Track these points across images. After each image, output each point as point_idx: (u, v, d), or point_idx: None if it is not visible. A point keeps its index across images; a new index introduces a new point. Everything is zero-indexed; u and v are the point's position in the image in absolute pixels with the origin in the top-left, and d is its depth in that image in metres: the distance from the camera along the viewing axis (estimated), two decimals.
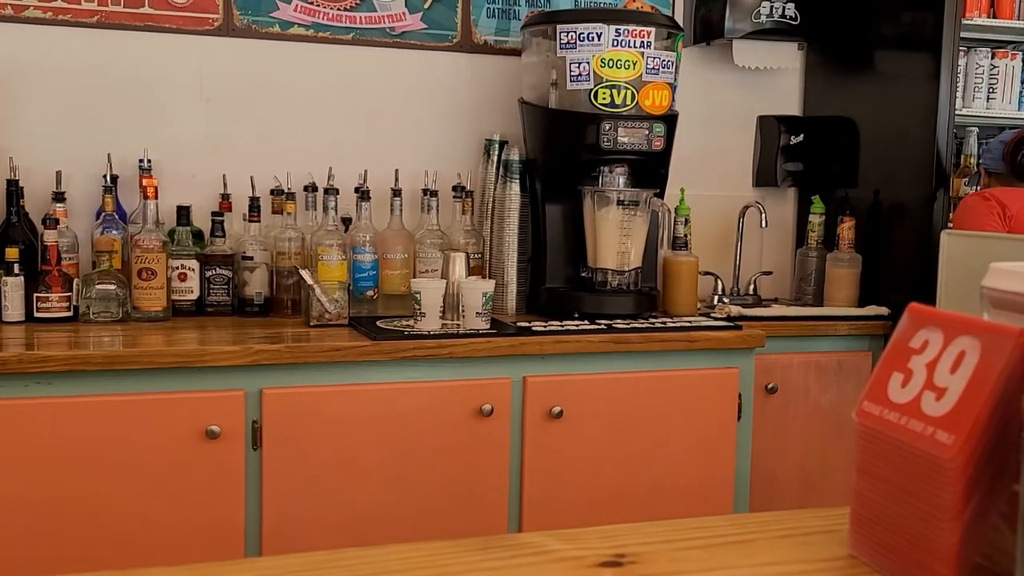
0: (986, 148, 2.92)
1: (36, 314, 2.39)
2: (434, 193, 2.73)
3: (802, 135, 3.17)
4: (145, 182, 2.50)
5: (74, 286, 2.43)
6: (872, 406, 0.81)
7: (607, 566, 0.75)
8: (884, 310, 2.84)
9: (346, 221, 2.69)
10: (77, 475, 2.07)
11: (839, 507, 0.88)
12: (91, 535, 2.08)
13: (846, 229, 2.93)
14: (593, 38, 2.54)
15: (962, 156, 3.23)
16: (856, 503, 0.81)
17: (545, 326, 2.46)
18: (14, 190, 2.48)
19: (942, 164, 2.68)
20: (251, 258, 2.60)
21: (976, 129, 3.19)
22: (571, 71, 2.57)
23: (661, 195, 2.71)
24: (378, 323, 2.44)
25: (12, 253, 2.38)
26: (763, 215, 2.96)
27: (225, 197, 2.68)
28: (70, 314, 2.42)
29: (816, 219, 3.04)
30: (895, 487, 0.77)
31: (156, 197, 2.50)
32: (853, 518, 0.82)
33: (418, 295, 2.38)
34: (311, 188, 2.69)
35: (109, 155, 2.60)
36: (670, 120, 2.63)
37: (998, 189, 2.76)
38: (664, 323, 2.57)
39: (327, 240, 2.58)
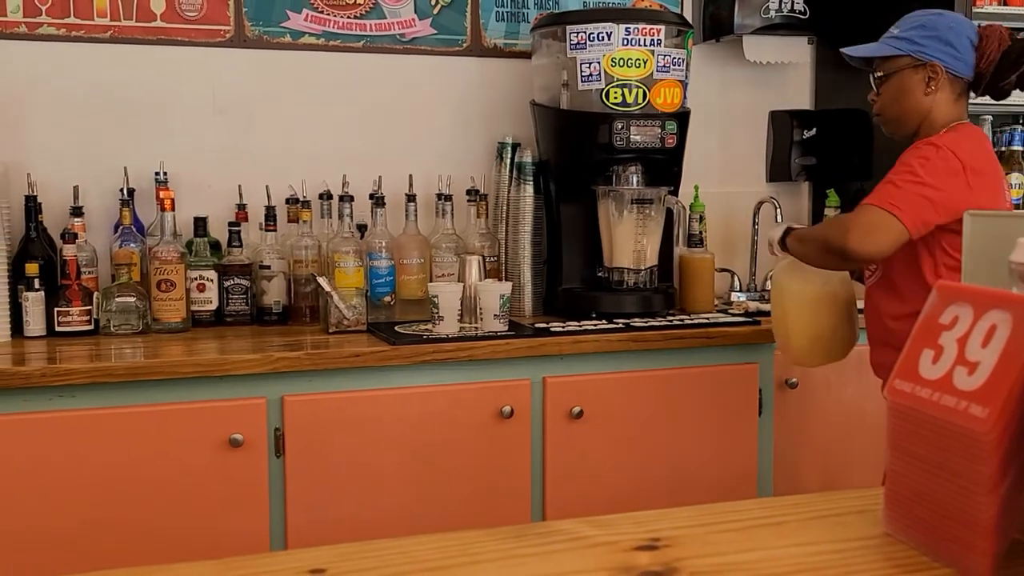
0: (937, 38, 2.05)
1: (57, 328, 2.41)
2: (448, 197, 2.73)
3: (814, 129, 3.16)
4: (162, 194, 2.52)
5: (94, 299, 2.44)
6: (903, 383, 0.80)
7: (643, 550, 0.75)
8: None
9: (361, 228, 2.70)
10: (102, 486, 2.08)
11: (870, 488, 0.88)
12: (116, 545, 2.09)
13: None
14: (603, 38, 2.54)
15: None
16: (890, 481, 0.81)
17: (563, 327, 2.45)
18: (32, 206, 2.49)
19: None
20: (268, 267, 2.61)
21: (990, 117, 3.17)
22: (582, 71, 2.57)
23: (675, 193, 2.71)
24: (396, 328, 2.45)
25: (32, 268, 2.40)
26: (778, 210, 2.95)
27: (241, 207, 2.69)
28: (91, 327, 2.43)
29: (832, 212, 3.03)
30: (929, 463, 0.77)
31: (173, 209, 2.51)
32: (887, 496, 0.81)
33: (435, 299, 2.38)
34: (326, 196, 2.70)
35: (125, 168, 2.62)
36: (682, 117, 2.63)
37: (952, 141, 2.00)
38: (682, 320, 2.57)
39: (343, 247, 2.59)
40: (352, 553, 0.72)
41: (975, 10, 2.72)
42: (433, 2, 2.89)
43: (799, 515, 0.85)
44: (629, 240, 2.63)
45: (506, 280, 2.67)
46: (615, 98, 2.55)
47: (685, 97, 2.64)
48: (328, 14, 2.81)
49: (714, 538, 0.79)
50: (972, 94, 2.13)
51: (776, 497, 0.88)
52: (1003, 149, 3.09)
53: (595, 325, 2.48)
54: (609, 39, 2.54)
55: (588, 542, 0.77)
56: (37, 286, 2.39)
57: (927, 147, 1.99)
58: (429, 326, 2.42)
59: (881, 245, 1.94)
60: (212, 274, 2.57)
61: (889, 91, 2.11)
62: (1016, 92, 2.08)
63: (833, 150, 3.15)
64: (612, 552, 0.75)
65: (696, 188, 2.95)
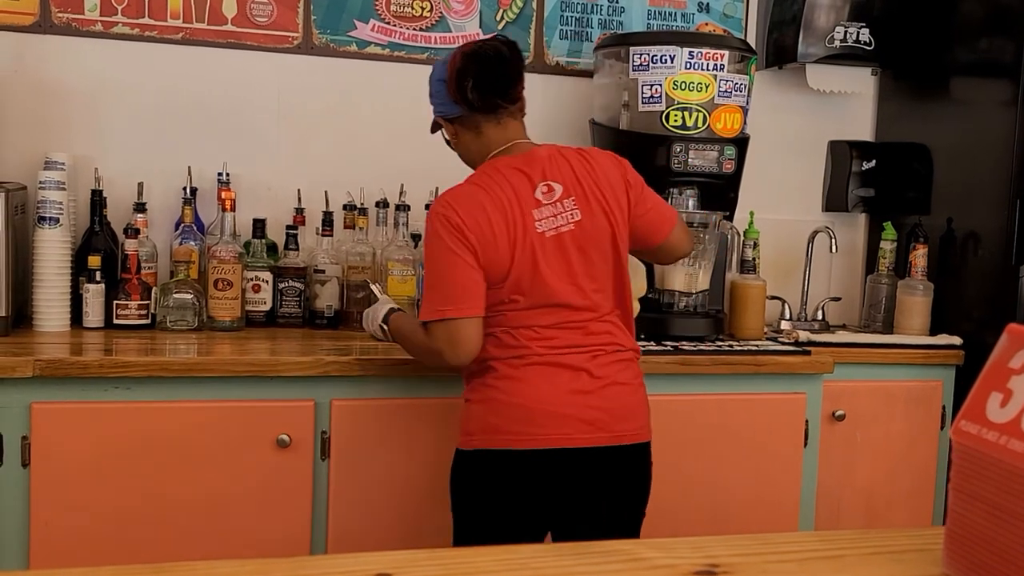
0: (429, 95, 2.07)
1: (115, 321, 2.45)
2: None
3: (874, 161, 3.14)
4: (223, 195, 2.56)
5: (152, 295, 2.49)
6: (970, 425, 0.80)
7: (701, 575, 0.75)
8: (956, 340, 2.80)
9: (416, 237, 2.72)
10: (150, 478, 2.12)
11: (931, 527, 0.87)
12: (163, 536, 2.12)
13: (919, 256, 2.89)
14: (666, 60, 2.55)
15: None
16: (952, 522, 0.81)
17: None
18: (98, 200, 2.55)
19: (1022, 193, 2.63)
20: (323, 271, 2.64)
21: None
22: (643, 93, 2.58)
23: (730, 218, 2.71)
24: None
25: (94, 261, 2.45)
26: (833, 240, 2.93)
27: (299, 211, 2.73)
28: (147, 322, 2.48)
29: (888, 246, 3.01)
30: (993, 506, 0.77)
31: (234, 210, 2.56)
32: (949, 536, 0.81)
33: None
34: (383, 204, 2.73)
35: (189, 168, 2.67)
36: (741, 143, 2.63)
37: (455, 201, 1.93)
38: (731, 346, 2.56)
39: (397, 255, 2.62)
40: (419, 559, 0.73)
41: None
42: (498, 18, 2.92)
43: (857, 550, 0.85)
44: (681, 263, 2.63)
45: None
46: (675, 121, 2.55)
47: (745, 123, 2.64)
48: (395, 25, 2.85)
49: (772, 567, 0.79)
50: None
51: (834, 531, 0.88)
52: None
53: (644, 347, 2.48)
54: (672, 62, 2.55)
55: (647, 564, 0.78)
56: (98, 278, 2.45)
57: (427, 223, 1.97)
58: None
59: (469, 350, 1.90)
60: (268, 275, 2.61)
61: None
62: None
63: (892, 183, 3.13)
64: (671, 575, 0.76)
65: (751, 214, 2.94)
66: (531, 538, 1.93)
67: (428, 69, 2.85)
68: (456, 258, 1.88)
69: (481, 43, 2.02)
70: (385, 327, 2.16)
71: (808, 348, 2.61)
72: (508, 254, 1.89)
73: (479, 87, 1.96)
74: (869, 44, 2.96)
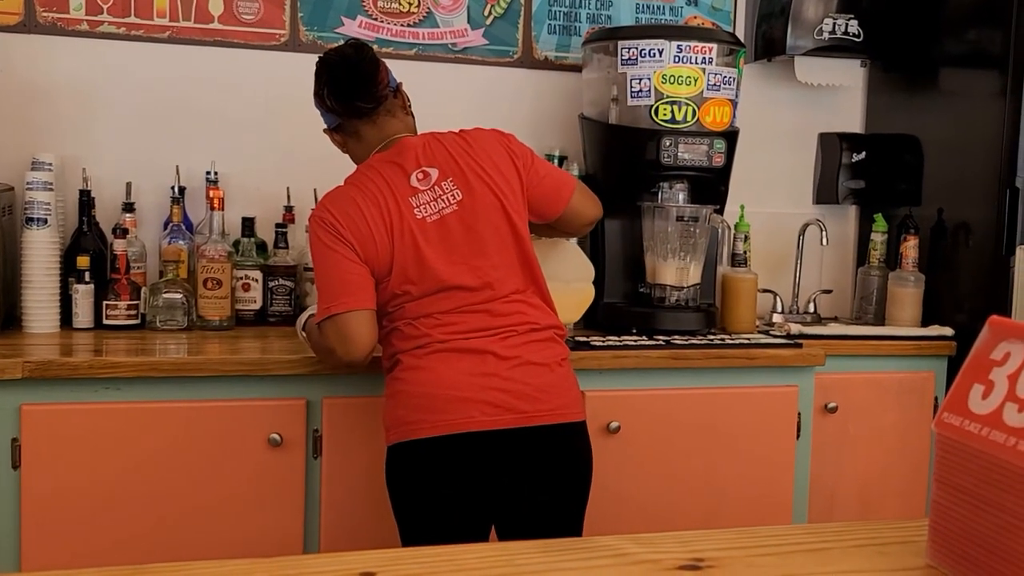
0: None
1: (105, 321, 2.45)
2: None
3: (864, 152, 3.14)
4: (212, 193, 2.55)
5: (141, 294, 2.48)
6: (952, 417, 0.80)
7: (685, 569, 0.75)
8: (948, 330, 2.80)
9: None
10: (142, 479, 2.11)
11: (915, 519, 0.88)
12: (156, 536, 2.12)
13: (910, 248, 2.89)
14: (654, 54, 2.55)
15: None
16: (935, 513, 0.81)
17: (603, 341, 2.46)
18: (86, 200, 2.54)
19: (1012, 183, 2.63)
20: (312, 269, 2.63)
21: None
22: (632, 87, 2.58)
23: (721, 211, 2.71)
24: None
25: (83, 261, 2.44)
26: (823, 233, 2.93)
27: (288, 209, 2.73)
28: (137, 322, 2.47)
29: (878, 237, 3.01)
30: (976, 498, 0.77)
31: (222, 208, 2.55)
32: (932, 528, 0.81)
33: None
34: None
35: (177, 167, 2.66)
36: (731, 136, 2.63)
37: (329, 201, 1.98)
38: (723, 340, 2.56)
39: None
40: (402, 558, 0.73)
41: None
42: (486, 13, 2.91)
43: (841, 543, 0.85)
44: (672, 257, 2.63)
45: None
46: (664, 115, 2.55)
47: (734, 116, 2.64)
48: (382, 21, 2.84)
49: (757, 560, 0.79)
50: None
51: (819, 523, 0.88)
52: None
53: (635, 341, 2.48)
54: (660, 56, 2.54)
55: (631, 559, 0.78)
56: (87, 279, 2.44)
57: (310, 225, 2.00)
58: None
59: (359, 344, 1.92)
60: (257, 274, 2.61)
61: None
62: None
63: (882, 175, 3.13)
64: (655, 570, 0.76)
65: (742, 207, 2.94)
66: (472, 530, 1.92)
67: (417, 65, 2.89)
68: (335, 254, 1.91)
69: (329, 50, 2.08)
70: (304, 333, 2.18)
71: (800, 341, 2.61)
72: (387, 244, 1.90)
73: (334, 94, 2.02)
74: (858, 36, 2.96)
